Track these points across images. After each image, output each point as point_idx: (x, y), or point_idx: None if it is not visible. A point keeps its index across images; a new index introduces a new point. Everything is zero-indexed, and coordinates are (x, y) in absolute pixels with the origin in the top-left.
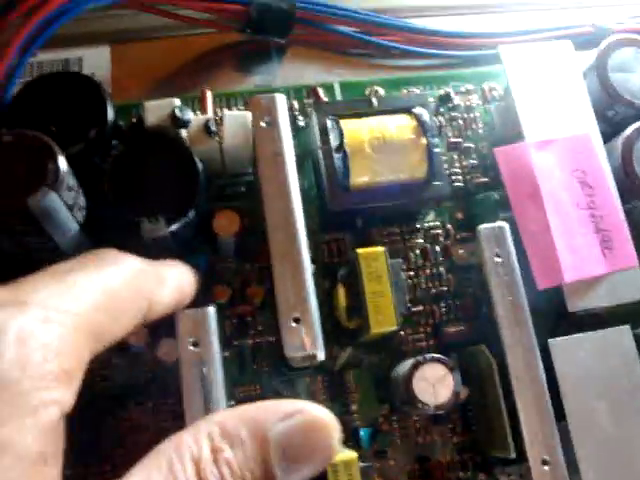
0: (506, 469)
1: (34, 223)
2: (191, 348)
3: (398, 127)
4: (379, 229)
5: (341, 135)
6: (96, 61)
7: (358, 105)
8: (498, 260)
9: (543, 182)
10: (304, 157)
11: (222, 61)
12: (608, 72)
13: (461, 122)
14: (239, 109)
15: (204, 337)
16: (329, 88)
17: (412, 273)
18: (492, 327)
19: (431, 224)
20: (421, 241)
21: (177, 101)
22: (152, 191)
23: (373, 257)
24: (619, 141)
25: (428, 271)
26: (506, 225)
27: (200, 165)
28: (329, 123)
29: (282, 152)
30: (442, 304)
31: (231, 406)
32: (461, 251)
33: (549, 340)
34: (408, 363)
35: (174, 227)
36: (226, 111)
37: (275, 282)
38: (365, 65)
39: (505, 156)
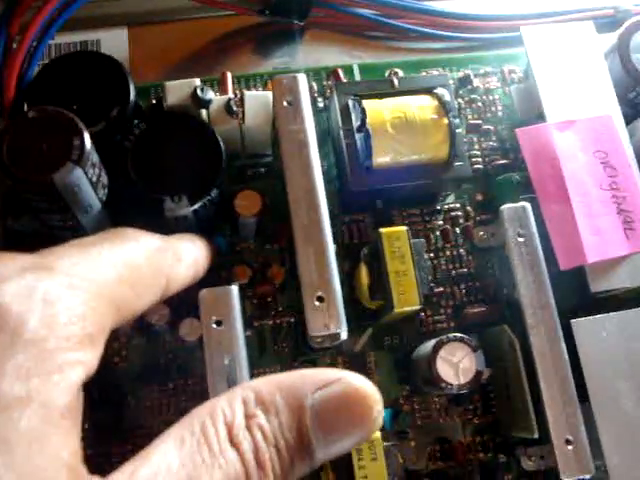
0: (528, 450)
1: (58, 199)
2: (214, 326)
3: (420, 107)
4: (399, 210)
5: (363, 115)
6: (113, 44)
7: (379, 85)
8: (521, 240)
9: (565, 163)
10: (323, 139)
11: (240, 44)
12: (630, 54)
13: (480, 104)
14: (257, 91)
15: (227, 316)
16: (348, 70)
17: (432, 255)
18: (514, 308)
19: (451, 205)
20: (441, 223)
21: (198, 81)
22: (175, 170)
23: (396, 236)
24: None
25: (448, 253)
26: (529, 205)
27: (223, 144)
28: (350, 103)
29: (304, 131)
30: (462, 286)
31: None
32: (481, 233)
33: (572, 320)
34: (431, 343)
35: (197, 206)
36: (246, 91)
37: (298, 260)
38: (384, 48)
39: (527, 137)
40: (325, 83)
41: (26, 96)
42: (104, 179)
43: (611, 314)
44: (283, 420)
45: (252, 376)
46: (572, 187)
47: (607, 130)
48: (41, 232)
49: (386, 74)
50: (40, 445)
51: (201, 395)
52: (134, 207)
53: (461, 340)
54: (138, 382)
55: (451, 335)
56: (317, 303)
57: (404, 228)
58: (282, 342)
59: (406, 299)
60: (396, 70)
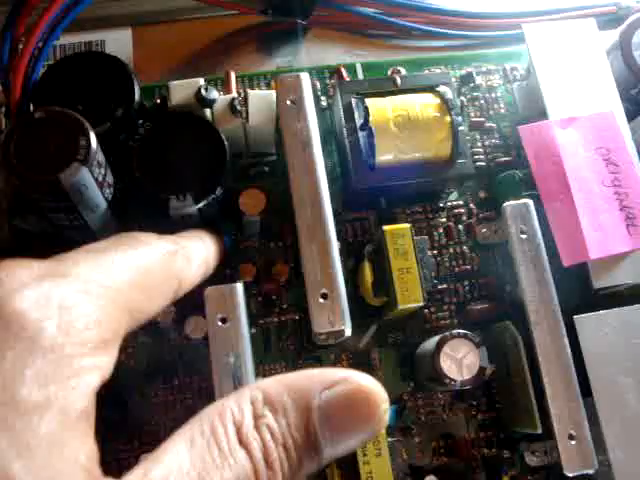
0: (531, 446)
1: (65, 199)
2: (219, 324)
3: (422, 105)
4: (403, 208)
5: (366, 113)
6: (118, 44)
7: (382, 84)
8: (523, 237)
9: (567, 159)
10: (326, 138)
11: (244, 43)
12: (632, 50)
13: (483, 102)
14: (261, 90)
15: (232, 313)
16: (351, 69)
17: (435, 252)
18: (517, 305)
19: (454, 203)
20: (444, 220)
21: (202, 81)
22: (179, 169)
23: (399, 234)
24: None
25: (451, 250)
26: (531, 202)
27: (227, 144)
28: (354, 101)
29: (308, 130)
30: (465, 282)
31: None
32: (484, 230)
33: (574, 317)
34: (434, 339)
35: (202, 204)
36: (250, 91)
37: (303, 258)
38: (386, 46)
39: (529, 134)
40: (328, 82)
41: (32, 97)
42: (110, 178)
43: (614, 310)
44: (291, 420)
45: (257, 373)
46: (574, 184)
47: (609, 127)
48: (48, 231)
49: (389, 72)
50: (59, 449)
51: (206, 392)
52: (139, 206)
53: (465, 336)
54: (144, 379)
55: (455, 331)
56: (321, 300)
57: (407, 225)
58: (287, 339)
59: (409, 296)
60: (399, 68)
